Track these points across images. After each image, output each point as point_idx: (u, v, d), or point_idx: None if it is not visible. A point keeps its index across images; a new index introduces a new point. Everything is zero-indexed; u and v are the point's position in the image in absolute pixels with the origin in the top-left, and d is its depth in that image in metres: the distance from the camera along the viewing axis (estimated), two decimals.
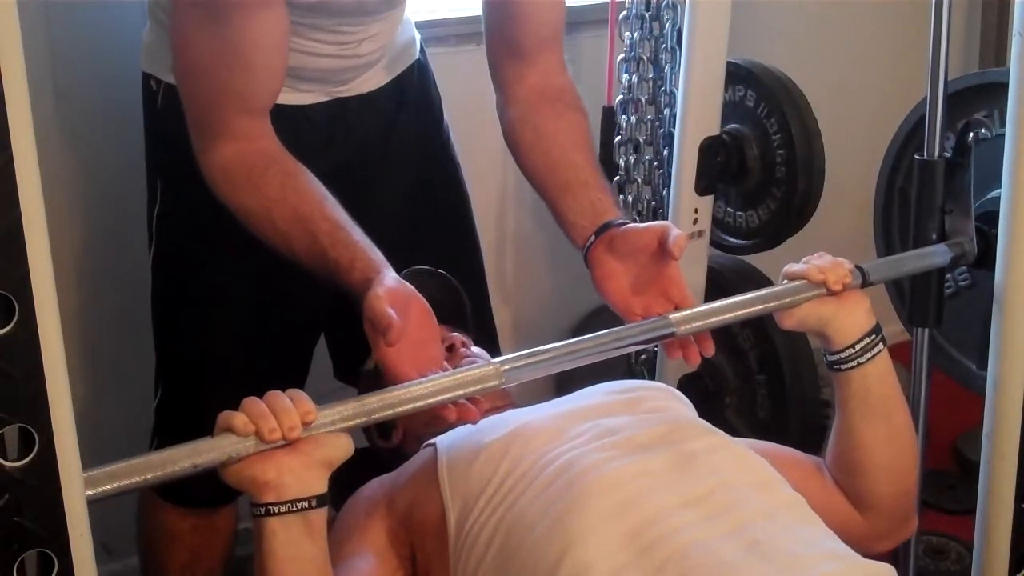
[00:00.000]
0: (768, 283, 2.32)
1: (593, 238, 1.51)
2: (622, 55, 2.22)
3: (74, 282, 2.07)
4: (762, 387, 2.22)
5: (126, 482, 1.07)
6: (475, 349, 1.57)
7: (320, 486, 1.14)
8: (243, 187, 1.41)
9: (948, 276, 1.82)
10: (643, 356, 2.29)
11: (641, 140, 2.25)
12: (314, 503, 1.13)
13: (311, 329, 1.83)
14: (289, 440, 1.12)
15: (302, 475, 1.13)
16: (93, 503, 0.99)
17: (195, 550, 1.86)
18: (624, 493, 1.22)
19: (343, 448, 1.16)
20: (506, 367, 1.27)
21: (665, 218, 2.19)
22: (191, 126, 1.45)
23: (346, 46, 1.60)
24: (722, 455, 1.32)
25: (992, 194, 1.64)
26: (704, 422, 1.40)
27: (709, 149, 2.12)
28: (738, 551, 1.17)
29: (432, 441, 1.37)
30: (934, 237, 1.69)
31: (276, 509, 1.12)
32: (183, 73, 1.45)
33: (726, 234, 2.25)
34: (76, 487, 0.93)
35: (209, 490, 1.82)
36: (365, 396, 1.21)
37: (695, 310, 1.42)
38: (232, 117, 1.41)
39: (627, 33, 2.20)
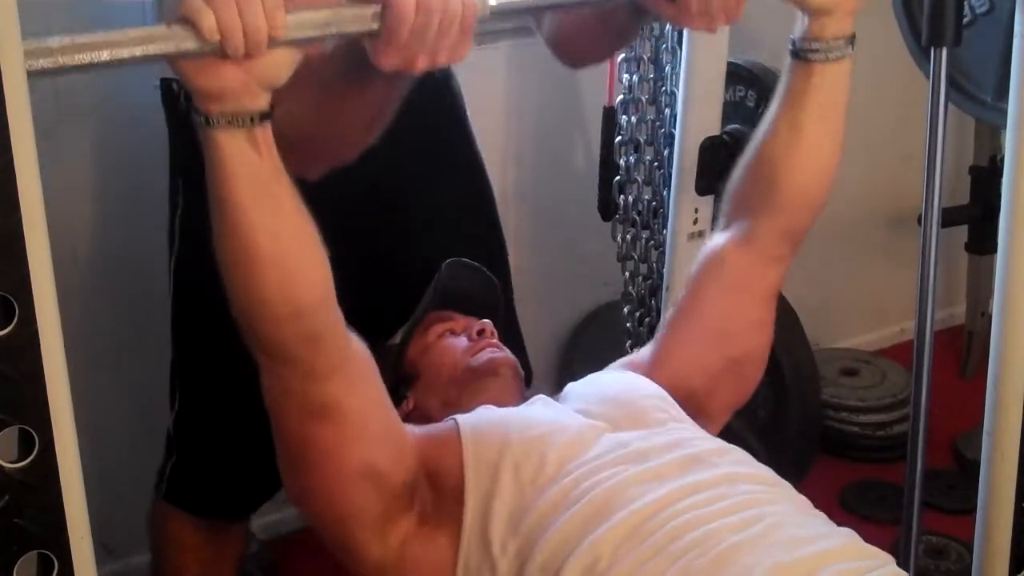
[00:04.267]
0: None
1: None
2: (623, 55, 2.22)
3: (74, 283, 2.07)
4: (762, 387, 2.22)
5: (70, 59, 0.99)
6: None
7: (264, 103, 1.11)
8: None
9: (965, 3, 1.74)
10: None
11: (642, 140, 2.25)
12: (256, 119, 1.10)
13: None
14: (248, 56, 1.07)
15: (244, 91, 1.09)
16: (36, 72, 0.92)
17: (207, 562, 1.86)
18: (642, 509, 1.23)
19: (285, 67, 1.11)
20: None
21: (666, 219, 2.19)
22: None
23: None
24: (727, 456, 1.33)
25: None
26: (703, 431, 1.41)
27: (709, 149, 2.12)
28: (736, 527, 1.19)
29: (454, 416, 1.37)
30: None
31: (217, 121, 1.09)
32: None
33: None
34: (76, 488, 0.93)
35: (223, 502, 1.82)
36: (342, 6, 1.13)
37: None
38: None
39: None
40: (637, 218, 2.25)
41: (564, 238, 2.62)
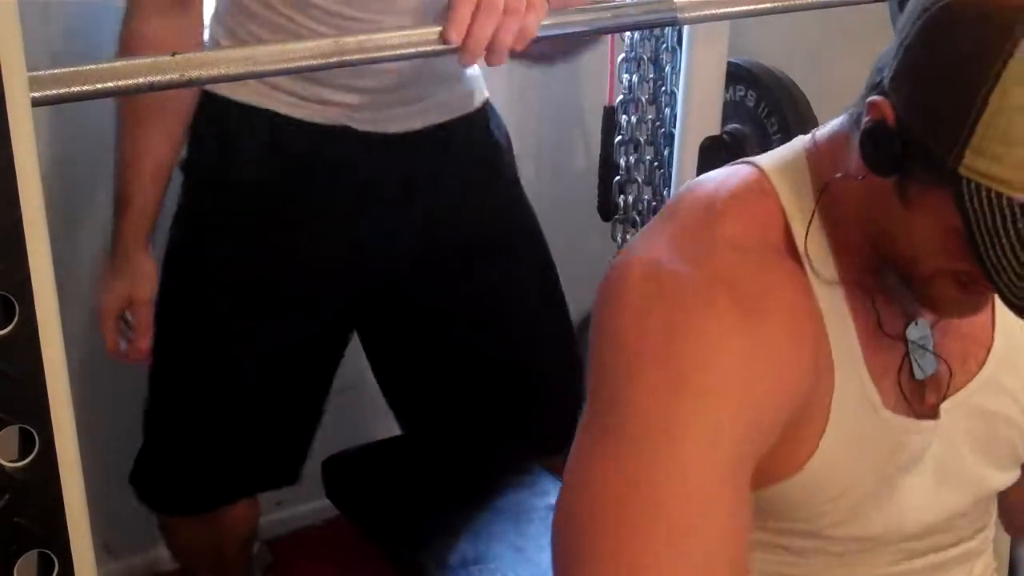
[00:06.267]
0: None
1: None
2: (623, 55, 2.22)
3: (74, 282, 2.07)
4: None
5: (73, 89, 1.01)
6: None
7: None
8: None
9: None
10: None
11: (641, 140, 2.25)
12: None
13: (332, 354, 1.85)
14: None
15: None
16: (38, 105, 0.93)
17: (213, 542, 1.87)
18: None
19: None
20: None
21: None
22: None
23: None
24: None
25: None
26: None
27: (709, 149, 2.12)
28: None
29: None
30: None
31: None
32: None
33: None
34: (76, 487, 0.93)
35: (208, 492, 1.82)
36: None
37: None
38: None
39: (628, 33, 2.20)
40: (637, 218, 2.25)
41: (564, 238, 2.62)
